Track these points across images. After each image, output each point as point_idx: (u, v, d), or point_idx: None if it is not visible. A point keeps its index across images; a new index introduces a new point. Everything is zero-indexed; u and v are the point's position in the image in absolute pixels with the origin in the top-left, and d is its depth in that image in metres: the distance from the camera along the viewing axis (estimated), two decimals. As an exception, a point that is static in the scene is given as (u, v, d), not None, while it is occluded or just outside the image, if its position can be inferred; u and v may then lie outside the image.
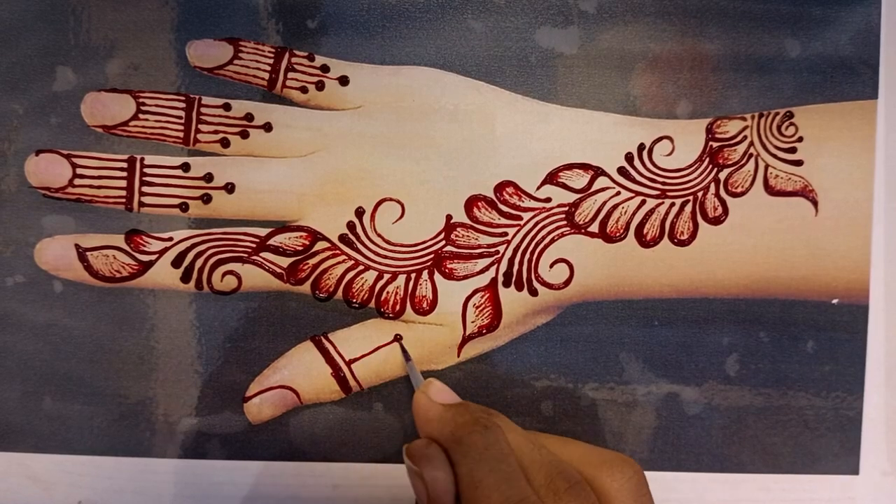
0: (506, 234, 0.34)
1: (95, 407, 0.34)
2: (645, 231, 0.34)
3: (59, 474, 0.34)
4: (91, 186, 0.34)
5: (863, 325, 0.35)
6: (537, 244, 0.34)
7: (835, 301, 0.35)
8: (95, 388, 0.34)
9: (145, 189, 0.34)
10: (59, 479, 0.34)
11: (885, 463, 0.36)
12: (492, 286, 0.34)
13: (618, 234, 0.34)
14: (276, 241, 0.34)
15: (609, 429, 0.35)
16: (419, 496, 0.26)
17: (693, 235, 0.34)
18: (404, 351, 0.33)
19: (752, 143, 0.34)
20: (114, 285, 0.34)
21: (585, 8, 0.35)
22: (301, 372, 0.34)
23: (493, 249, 0.34)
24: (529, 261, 0.34)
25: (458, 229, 0.34)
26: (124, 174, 0.34)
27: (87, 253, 0.34)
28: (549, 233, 0.34)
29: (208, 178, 0.34)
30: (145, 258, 0.34)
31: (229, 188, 0.34)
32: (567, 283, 0.34)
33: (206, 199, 0.34)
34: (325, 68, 0.34)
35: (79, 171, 0.34)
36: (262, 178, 0.34)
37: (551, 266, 0.34)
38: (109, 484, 0.34)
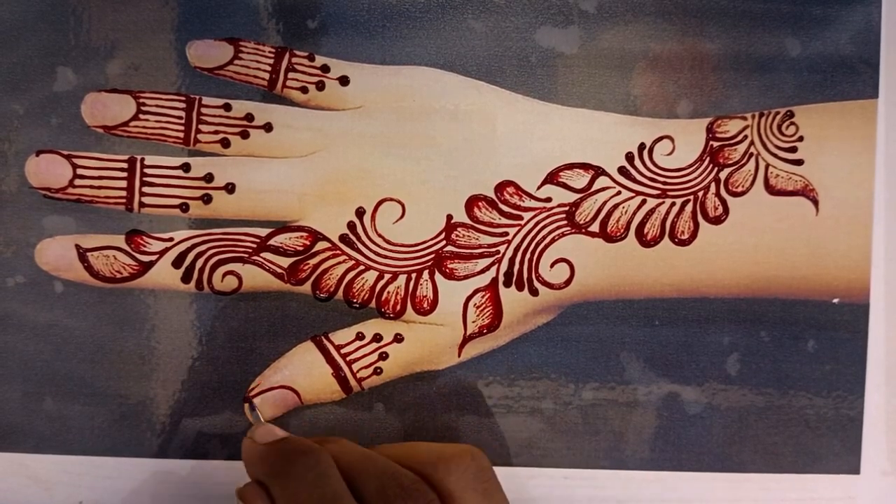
0: (506, 233, 0.34)
1: (96, 407, 0.34)
2: (645, 231, 0.34)
3: (59, 475, 0.34)
4: (91, 187, 0.34)
5: (864, 324, 0.35)
6: (538, 244, 0.34)
7: (835, 300, 0.35)
8: (96, 389, 0.34)
9: (146, 189, 0.34)
10: (59, 479, 0.34)
11: (886, 462, 0.36)
12: (492, 286, 0.34)
13: (618, 234, 0.34)
14: (276, 241, 0.34)
15: (610, 428, 0.35)
16: None
17: (694, 235, 0.34)
18: (251, 406, 0.34)
19: (752, 143, 0.34)
20: (114, 286, 0.34)
21: (586, 7, 0.35)
22: (302, 372, 0.34)
23: (493, 249, 0.34)
24: (530, 261, 0.34)
25: (459, 229, 0.34)
26: (125, 174, 0.34)
27: (88, 253, 0.34)
28: (549, 232, 0.34)
29: (209, 178, 0.34)
30: (146, 258, 0.34)
31: (230, 188, 0.33)
32: (568, 282, 0.34)
33: (207, 199, 0.34)
34: (325, 68, 0.34)
35: (79, 171, 0.34)
36: (263, 178, 0.34)
37: (552, 266, 0.34)
38: (110, 484, 0.34)
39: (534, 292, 0.34)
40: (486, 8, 0.34)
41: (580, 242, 0.34)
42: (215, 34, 0.34)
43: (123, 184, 0.34)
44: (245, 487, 0.27)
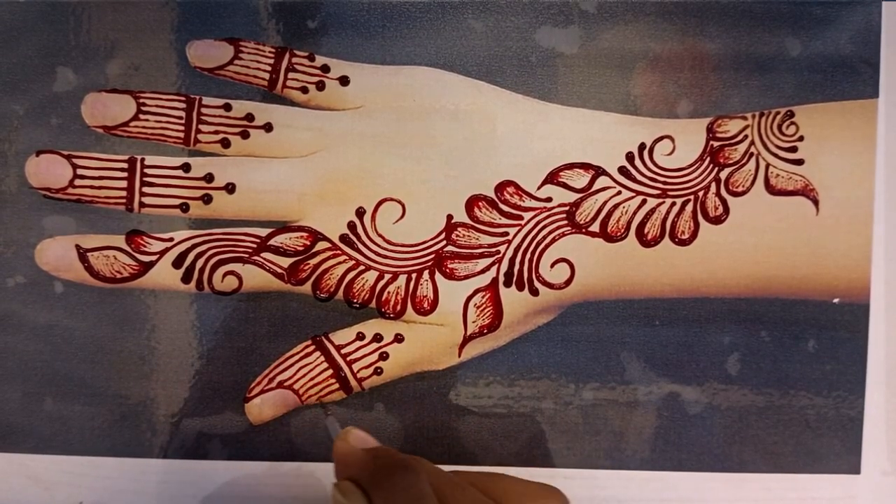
0: (507, 233, 0.34)
1: (96, 407, 0.34)
2: (646, 231, 0.34)
3: (59, 475, 0.34)
4: (91, 187, 0.34)
5: (864, 324, 0.35)
6: (538, 244, 0.34)
7: (836, 300, 0.35)
8: (96, 389, 0.34)
9: (146, 189, 0.34)
10: (59, 479, 0.34)
11: (886, 462, 0.36)
12: (493, 286, 0.34)
13: (618, 234, 0.34)
14: (276, 241, 0.34)
15: (610, 429, 0.35)
16: None
17: (694, 235, 0.34)
18: (324, 406, 0.34)
19: (752, 143, 0.34)
20: (114, 286, 0.34)
21: (586, 7, 0.35)
22: (302, 372, 0.34)
23: (493, 249, 0.34)
24: (530, 260, 0.34)
25: (459, 229, 0.34)
26: (125, 175, 0.34)
27: (88, 254, 0.34)
28: (549, 232, 0.34)
29: (209, 178, 0.34)
30: (146, 259, 0.34)
31: (230, 188, 0.34)
32: (568, 282, 0.34)
33: (207, 199, 0.34)
34: (325, 68, 0.34)
35: (79, 171, 0.34)
36: (263, 178, 0.34)
37: (552, 266, 0.34)
38: (110, 484, 0.34)
39: (534, 292, 0.34)
40: (486, 8, 0.35)
41: (580, 242, 0.34)
42: (215, 34, 0.34)
43: (123, 184, 0.34)
44: (345, 483, 0.27)
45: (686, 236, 0.34)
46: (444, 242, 0.34)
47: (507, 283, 0.34)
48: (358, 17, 0.34)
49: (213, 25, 0.34)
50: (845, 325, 0.35)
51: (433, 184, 0.34)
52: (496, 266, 0.34)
